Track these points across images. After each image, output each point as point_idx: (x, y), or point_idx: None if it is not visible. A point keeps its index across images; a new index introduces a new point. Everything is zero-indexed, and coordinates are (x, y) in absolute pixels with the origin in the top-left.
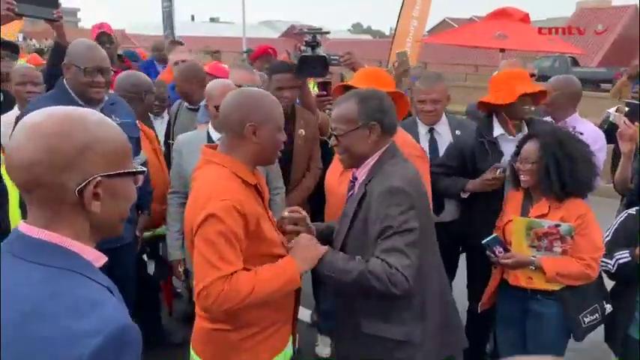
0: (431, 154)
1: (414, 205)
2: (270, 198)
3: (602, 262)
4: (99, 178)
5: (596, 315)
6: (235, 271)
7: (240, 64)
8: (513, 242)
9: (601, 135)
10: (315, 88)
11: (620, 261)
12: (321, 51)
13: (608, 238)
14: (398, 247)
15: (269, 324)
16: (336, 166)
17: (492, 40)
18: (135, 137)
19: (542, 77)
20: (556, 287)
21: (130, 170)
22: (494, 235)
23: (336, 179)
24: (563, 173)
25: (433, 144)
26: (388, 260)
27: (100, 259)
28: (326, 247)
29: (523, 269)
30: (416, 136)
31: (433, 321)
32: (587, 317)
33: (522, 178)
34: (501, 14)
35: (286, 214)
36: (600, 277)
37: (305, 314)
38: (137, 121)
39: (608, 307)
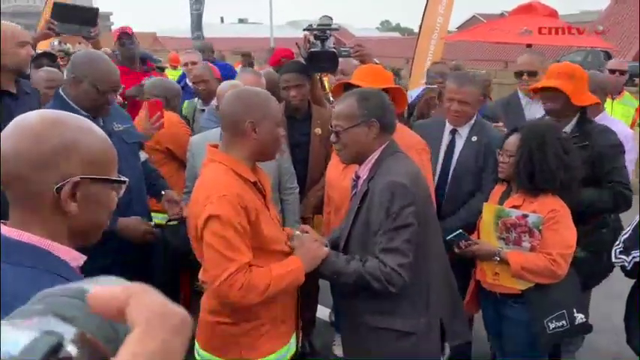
0: (444, 158)
1: (414, 201)
2: (284, 198)
3: (619, 258)
4: (77, 179)
5: (563, 322)
6: (248, 262)
7: (247, 69)
8: (482, 232)
9: (630, 134)
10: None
11: (636, 259)
12: (330, 44)
13: (626, 236)
14: (395, 245)
15: (269, 319)
16: (337, 160)
17: (518, 36)
18: (137, 142)
19: None
20: (522, 286)
21: (109, 177)
22: (459, 231)
23: (339, 173)
24: (534, 167)
25: (451, 147)
26: (384, 260)
27: (77, 259)
28: (327, 249)
29: (489, 263)
30: (440, 135)
31: (438, 312)
32: (552, 323)
33: (499, 169)
34: (527, 10)
35: (297, 233)
36: (576, 284)
37: (324, 313)
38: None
39: (580, 317)
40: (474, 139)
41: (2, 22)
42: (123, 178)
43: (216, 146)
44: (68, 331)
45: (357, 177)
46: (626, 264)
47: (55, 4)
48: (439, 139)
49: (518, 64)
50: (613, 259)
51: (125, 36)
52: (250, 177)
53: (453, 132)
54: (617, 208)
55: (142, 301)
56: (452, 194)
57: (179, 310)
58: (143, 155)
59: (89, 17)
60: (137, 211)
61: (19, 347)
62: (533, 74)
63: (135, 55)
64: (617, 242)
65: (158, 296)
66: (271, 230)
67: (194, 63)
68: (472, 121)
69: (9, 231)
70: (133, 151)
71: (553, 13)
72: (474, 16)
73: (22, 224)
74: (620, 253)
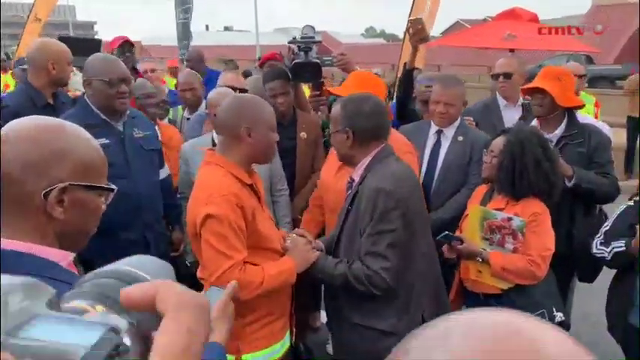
0: (430, 157)
1: (399, 205)
2: (275, 200)
3: (600, 249)
4: (65, 185)
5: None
6: (244, 259)
7: (229, 69)
8: (468, 231)
9: (608, 129)
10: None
11: (616, 250)
12: (314, 54)
13: (607, 228)
14: (377, 250)
15: (264, 314)
16: (331, 163)
17: (501, 41)
18: (157, 150)
19: None
20: (503, 286)
21: (98, 185)
22: (445, 232)
23: (333, 176)
24: (514, 173)
25: (437, 147)
26: (368, 264)
27: (65, 257)
28: (318, 252)
29: (474, 262)
30: (425, 136)
31: (419, 315)
32: None
33: (482, 168)
34: (510, 15)
35: (293, 235)
36: (553, 283)
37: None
38: (159, 125)
39: (559, 316)
40: (460, 138)
41: (58, 41)
42: (111, 186)
43: (212, 150)
44: (123, 324)
45: (352, 180)
46: (606, 254)
47: (60, 37)
48: (424, 139)
49: (495, 67)
50: (593, 251)
51: (128, 45)
52: (246, 180)
53: (439, 133)
54: (611, 198)
55: (168, 292)
56: (439, 191)
57: (200, 296)
58: (165, 171)
59: (93, 48)
60: (147, 219)
61: (91, 342)
62: (508, 76)
63: (134, 64)
64: (598, 234)
65: (180, 286)
66: (267, 229)
67: (153, 70)
68: (457, 123)
69: None
70: (150, 159)
71: (534, 18)
72: (457, 21)
73: (8, 227)
74: (601, 244)
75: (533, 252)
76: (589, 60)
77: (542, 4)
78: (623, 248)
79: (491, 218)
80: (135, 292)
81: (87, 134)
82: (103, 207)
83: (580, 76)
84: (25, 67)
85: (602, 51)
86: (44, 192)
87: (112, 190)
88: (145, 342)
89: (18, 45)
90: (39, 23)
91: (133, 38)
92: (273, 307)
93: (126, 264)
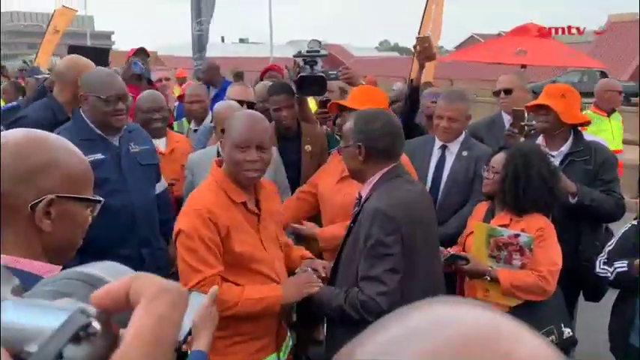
0: (435, 172)
1: (397, 228)
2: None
3: (603, 268)
4: (53, 197)
5: (552, 337)
6: (219, 273)
7: (238, 82)
8: (473, 250)
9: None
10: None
11: (619, 270)
12: (319, 68)
13: (610, 247)
14: (374, 274)
15: (238, 333)
16: (328, 173)
17: (513, 57)
18: (154, 164)
19: None
20: (512, 303)
21: (85, 197)
22: (449, 254)
23: (332, 186)
24: (518, 188)
25: (441, 162)
26: (363, 288)
27: (52, 271)
28: (317, 289)
29: (481, 281)
30: (430, 151)
31: None
32: None
33: (483, 183)
34: (521, 31)
35: (309, 269)
36: (561, 298)
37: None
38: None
39: (567, 331)
40: (465, 153)
41: (88, 60)
42: (98, 198)
43: (220, 162)
44: (93, 310)
45: (360, 196)
46: (609, 274)
47: (70, 46)
48: (429, 154)
49: (497, 83)
50: (597, 270)
51: (142, 53)
52: (235, 197)
53: (443, 148)
54: (615, 217)
55: (142, 281)
56: (444, 206)
57: (176, 284)
58: (162, 185)
59: (102, 57)
60: (143, 234)
61: (58, 321)
62: (508, 92)
63: (146, 74)
64: (602, 254)
65: (157, 277)
66: (248, 249)
67: (167, 79)
68: (461, 138)
69: None
70: (146, 174)
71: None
72: (471, 36)
73: None
74: (604, 264)
75: (542, 267)
76: (603, 76)
77: (555, 19)
78: (626, 269)
79: (498, 235)
80: (106, 292)
81: (71, 145)
82: (90, 219)
83: (619, 92)
84: (39, 76)
85: (617, 68)
86: (31, 204)
87: (99, 201)
88: (113, 337)
89: (36, 54)
90: (57, 34)
91: (148, 48)
92: (248, 327)
93: (92, 267)
